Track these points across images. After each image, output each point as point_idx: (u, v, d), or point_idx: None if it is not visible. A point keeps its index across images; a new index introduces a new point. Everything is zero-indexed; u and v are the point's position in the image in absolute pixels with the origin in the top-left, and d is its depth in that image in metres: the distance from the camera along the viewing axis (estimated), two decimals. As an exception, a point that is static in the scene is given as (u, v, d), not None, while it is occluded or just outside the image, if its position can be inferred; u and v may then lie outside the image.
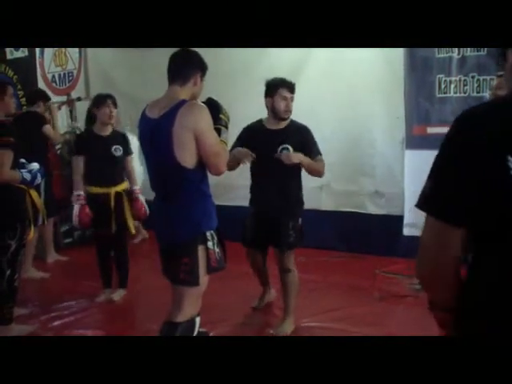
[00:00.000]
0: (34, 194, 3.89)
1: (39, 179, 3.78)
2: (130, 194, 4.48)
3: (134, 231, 4.53)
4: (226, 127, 2.80)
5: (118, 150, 4.44)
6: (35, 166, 3.76)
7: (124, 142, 4.51)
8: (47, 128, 5.29)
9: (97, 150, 4.40)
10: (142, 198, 4.48)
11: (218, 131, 2.71)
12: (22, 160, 3.73)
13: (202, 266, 2.65)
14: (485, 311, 1.30)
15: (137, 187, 4.52)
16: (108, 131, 4.45)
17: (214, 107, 2.75)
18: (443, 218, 1.27)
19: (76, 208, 4.34)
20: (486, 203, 1.22)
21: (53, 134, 5.40)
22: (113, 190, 4.38)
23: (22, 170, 3.64)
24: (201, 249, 2.65)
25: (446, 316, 1.42)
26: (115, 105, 4.42)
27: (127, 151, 4.51)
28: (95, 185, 4.39)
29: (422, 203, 1.31)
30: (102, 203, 4.34)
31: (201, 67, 2.75)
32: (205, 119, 2.60)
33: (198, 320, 2.72)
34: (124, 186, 4.48)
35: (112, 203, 4.36)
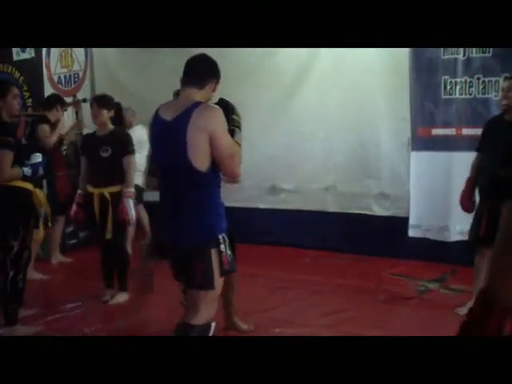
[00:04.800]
0: (39, 194, 3.90)
1: (41, 171, 3.76)
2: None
3: (109, 236, 4.34)
4: (240, 128, 2.82)
5: (105, 151, 4.35)
6: (37, 158, 3.74)
7: (121, 142, 4.41)
8: (41, 128, 5.22)
9: (90, 151, 4.45)
10: (127, 201, 4.33)
11: (232, 132, 2.72)
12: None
13: (216, 269, 2.65)
14: None
15: (127, 189, 4.36)
16: (104, 131, 4.44)
17: (225, 108, 2.76)
18: None
19: (73, 207, 4.45)
20: None
21: (46, 135, 5.24)
22: (97, 192, 4.36)
23: (23, 167, 3.65)
24: (214, 252, 2.65)
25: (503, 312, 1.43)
26: (102, 105, 4.41)
27: (123, 151, 4.37)
28: (89, 184, 4.45)
29: (500, 190, 1.55)
30: (90, 203, 4.38)
31: (218, 76, 2.77)
32: (219, 121, 2.59)
33: (213, 325, 2.72)
34: (113, 188, 4.36)
35: (96, 204, 4.36)
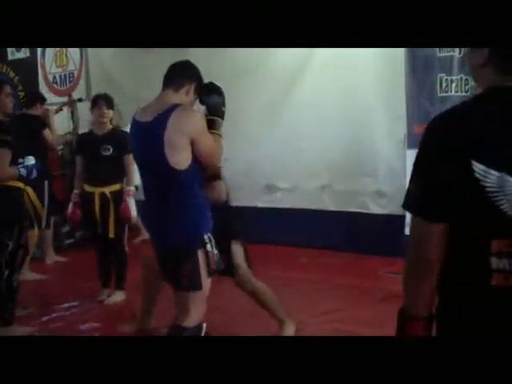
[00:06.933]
0: (31, 193, 3.90)
1: (35, 174, 3.76)
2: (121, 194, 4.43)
3: (112, 235, 4.37)
4: (223, 118, 2.84)
5: (106, 150, 4.39)
6: (31, 160, 3.75)
7: (121, 141, 4.41)
8: (47, 132, 5.33)
9: (88, 150, 4.47)
10: (129, 200, 4.36)
11: (214, 122, 2.76)
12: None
13: (202, 269, 2.66)
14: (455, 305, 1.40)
15: (129, 188, 4.40)
16: (103, 130, 4.46)
17: (219, 94, 2.82)
18: (424, 216, 1.37)
19: (70, 206, 4.44)
20: (456, 202, 1.32)
21: (52, 139, 5.45)
22: (98, 191, 4.38)
23: (19, 166, 3.65)
24: (200, 253, 2.65)
25: (421, 324, 1.45)
26: (108, 105, 4.44)
27: (123, 150, 4.36)
28: (86, 183, 4.46)
29: (406, 205, 1.43)
30: (89, 203, 4.38)
31: (196, 81, 2.78)
32: (199, 123, 2.63)
33: (204, 326, 2.73)
34: (114, 187, 4.41)
35: (96, 204, 4.37)
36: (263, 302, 3.59)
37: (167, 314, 3.06)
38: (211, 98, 2.81)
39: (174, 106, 2.59)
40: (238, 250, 3.54)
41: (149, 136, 2.63)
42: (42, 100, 5.57)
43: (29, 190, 3.87)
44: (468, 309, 1.37)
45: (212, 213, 2.75)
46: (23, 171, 3.65)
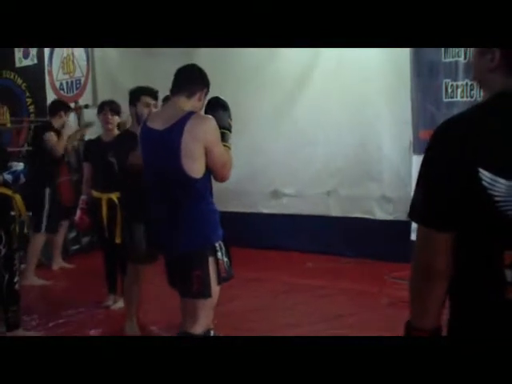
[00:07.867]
0: (19, 201, 3.91)
1: (23, 179, 3.77)
2: None
3: (119, 240, 4.27)
4: (230, 131, 2.84)
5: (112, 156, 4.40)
6: (19, 166, 3.76)
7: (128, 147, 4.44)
8: (50, 136, 5.23)
9: (95, 156, 4.50)
10: None
11: (222, 135, 2.74)
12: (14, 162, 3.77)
13: (212, 277, 2.66)
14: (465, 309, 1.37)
15: None
16: (110, 137, 4.46)
17: (224, 109, 2.83)
18: (429, 225, 1.35)
19: (77, 212, 4.47)
20: (464, 211, 1.29)
21: (55, 143, 5.24)
22: (105, 196, 4.38)
23: (4, 173, 3.66)
24: (211, 260, 2.65)
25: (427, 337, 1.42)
26: (114, 111, 4.46)
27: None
28: (94, 189, 4.48)
29: (411, 214, 1.41)
30: (96, 208, 4.40)
31: (207, 85, 2.80)
32: (214, 131, 2.63)
33: (212, 333, 2.73)
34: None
35: (104, 209, 4.38)
36: None
37: (166, 317, 3.05)
38: (217, 112, 2.81)
39: (190, 114, 2.59)
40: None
41: (164, 144, 2.62)
42: (66, 109, 5.57)
43: (17, 197, 3.87)
44: (481, 322, 1.33)
45: None
46: (8, 177, 3.66)
